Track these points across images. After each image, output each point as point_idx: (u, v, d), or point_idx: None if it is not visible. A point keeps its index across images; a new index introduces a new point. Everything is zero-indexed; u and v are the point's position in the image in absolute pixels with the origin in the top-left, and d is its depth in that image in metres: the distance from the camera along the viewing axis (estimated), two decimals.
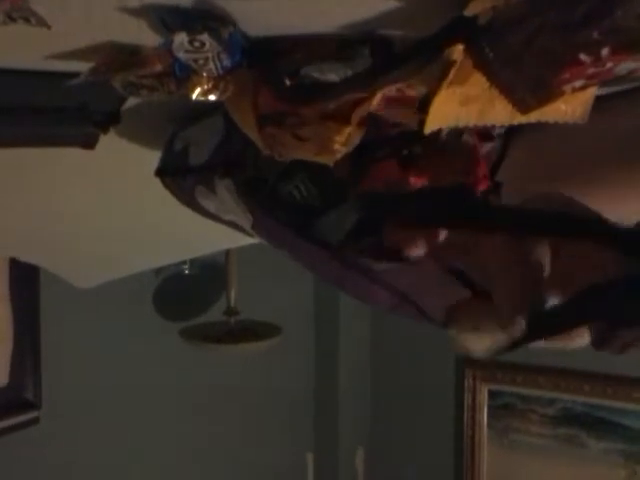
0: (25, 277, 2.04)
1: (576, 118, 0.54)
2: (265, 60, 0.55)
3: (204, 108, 0.70)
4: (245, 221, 0.69)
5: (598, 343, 0.52)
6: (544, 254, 0.53)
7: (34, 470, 2.21)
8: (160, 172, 0.79)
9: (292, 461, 3.18)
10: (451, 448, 2.95)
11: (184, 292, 2.40)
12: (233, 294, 2.22)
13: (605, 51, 0.43)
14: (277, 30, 0.53)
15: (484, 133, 0.64)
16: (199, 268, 2.36)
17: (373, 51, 0.53)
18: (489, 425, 2.83)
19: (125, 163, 0.85)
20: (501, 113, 0.54)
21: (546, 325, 0.53)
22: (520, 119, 0.53)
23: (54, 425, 2.21)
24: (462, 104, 0.53)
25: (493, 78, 0.48)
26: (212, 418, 2.78)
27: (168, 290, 2.36)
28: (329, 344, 3.20)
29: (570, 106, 0.53)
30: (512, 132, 0.66)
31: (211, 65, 0.53)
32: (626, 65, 0.47)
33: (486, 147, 0.65)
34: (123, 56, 0.55)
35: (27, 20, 0.47)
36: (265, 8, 0.49)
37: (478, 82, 0.50)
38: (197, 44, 0.51)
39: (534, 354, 2.91)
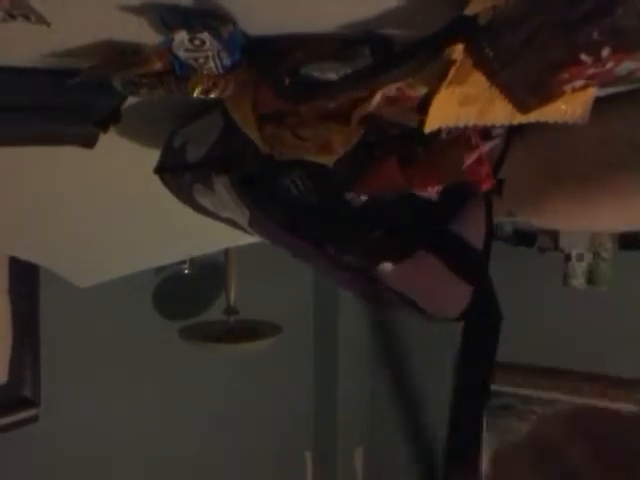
0: (24, 275, 2.04)
1: (576, 118, 0.54)
2: (265, 59, 0.55)
3: (204, 105, 0.70)
4: (242, 218, 0.69)
5: None
6: None
7: (33, 468, 2.22)
8: (159, 170, 0.79)
9: (291, 460, 3.18)
10: None
11: (184, 291, 2.41)
12: (233, 293, 2.22)
13: (605, 51, 0.43)
14: (277, 29, 0.53)
15: (484, 132, 0.64)
16: (199, 267, 2.37)
17: (373, 51, 0.53)
18: (489, 426, 2.83)
19: (125, 162, 0.85)
20: (501, 113, 0.54)
21: None
22: (520, 119, 0.53)
23: (53, 423, 2.21)
24: (462, 104, 0.53)
25: (493, 78, 0.48)
26: (211, 417, 2.78)
27: (168, 289, 2.36)
28: (328, 344, 3.20)
29: (570, 106, 0.53)
30: (513, 131, 0.66)
31: (211, 64, 0.53)
32: (627, 65, 0.47)
33: (488, 145, 0.65)
34: (123, 55, 0.55)
35: (27, 18, 0.47)
36: (265, 7, 0.49)
37: (478, 82, 0.50)
38: (197, 43, 0.51)
39: (534, 354, 2.91)
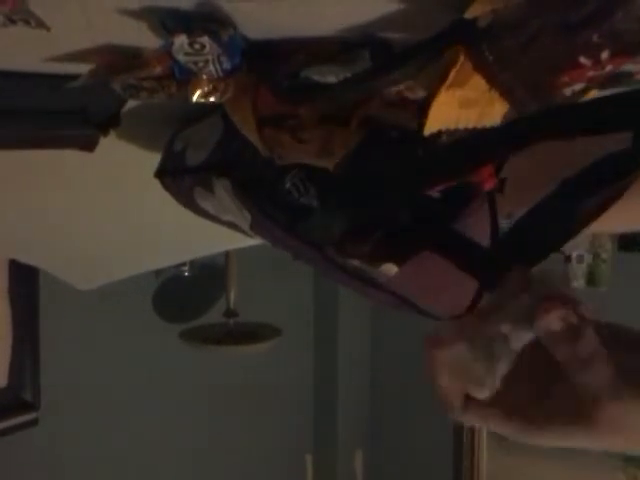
0: (24, 278, 2.04)
1: None
2: (265, 63, 0.55)
3: (204, 109, 0.70)
4: (243, 221, 0.69)
5: None
6: None
7: (33, 471, 2.21)
8: (160, 173, 0.79)
9: (291, 462, 3.18)
10: (450, 450, 2.95)
11: (184, 294, 2.40)
12: (233, 296, 2.22)
13: (605, 54, 0.43)
14: (277, 33, 0.53)
15: None
16: (199, 270, 2.36)
17: (373, 54, 0.53)
18: None
19: (125, 165, 0.85)
20: (501, 115, 0.54)
21: None
22: None
23: (53, 426, 2.21)
24: (462, 106, 0.54)
25: (493, 81, 0.48)
26: (212, 419, 2.78)
27: (168, 292, 2.36)
28: (328, 346, 3.19)
29: None
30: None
31: (211, 67, 0.53)
32: (626, 68, 0.47)
33: None
34: (123, 58, 0.55)
35: (27, 22, 0.47)
36: (265, 11, 0.49)
37: (478, 84, 0.50)
38: (197, 46, 0.51)
39: None
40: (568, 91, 0.46)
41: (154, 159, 0.79)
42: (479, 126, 0.55)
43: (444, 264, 0.63)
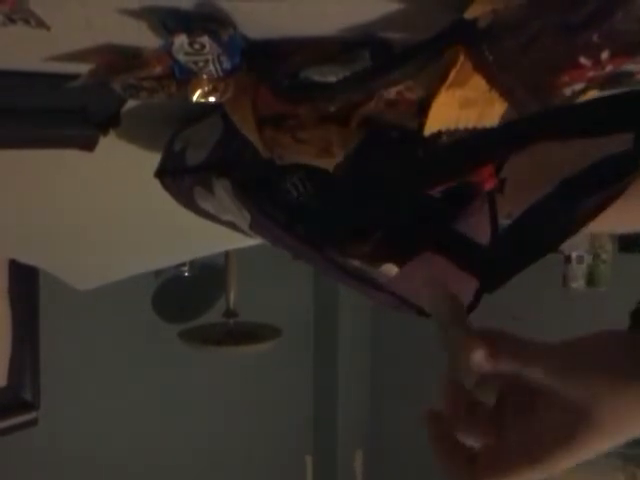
0: (24, 278, 2.04)
1: None
2: (265, 62, 0.55)
3: (204, 109, 0.70)
4: (243, 221, 0.69)
5: None
6: None
7: (32, 471, 2.21)
8: (160, 173, 0.79)
9: (291, 463, 3.18)
10: None
11: (183, 294, 2.40)
12: (232, 296, 2.22)
13: (605, 54, 0.43)
14: (277, 33, 0.53)
15: None
16: (198, 270, 2.36)
17: (373, 54, 0.53)
18: None
19: (125, 165, 0.85)
20: (500, 116, 0.54)
21: None
22: None
23: (53, 426, 2.21)
24: (462, 106, 0.54)
25: (493, 81, 0.48)
26: (211, 420, 2.78)
27: (167, 292, 2.36)
28: (328, 346, 3.19)
29: None
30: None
31: (211, 67, 0.53)
32: (626, 68, 0.47)
33: None
34: (123, 58, 0.55)
35: (27, 22, 0.47)
36: (265, 11, 0.49)
37: (478, 85, 0.50)
38: (197, 46, 0.51)
39: None
40: (568, 91, 0.46)
41: (154, 159, 0.79)
42: (479, 126, 0.55)
43: (444, 264, 0.63)
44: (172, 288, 2.35)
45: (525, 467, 0.45)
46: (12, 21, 0.46)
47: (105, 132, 0.68)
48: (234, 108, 0.63)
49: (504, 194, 0.68)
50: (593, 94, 0.52)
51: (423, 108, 0.54)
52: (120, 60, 0.55)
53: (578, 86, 0.46)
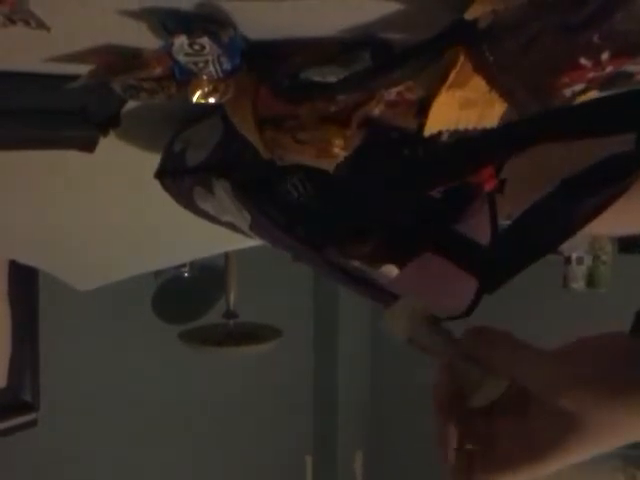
0: (24, 278, 2.04)
1: None
2: (265, 63, 0.55)
3: (204, 110, 0.70)
4: (243, 222, 0.69)
5: None
6: None
7: (32, 472, 2.21)
8: (160, 174, 0.79)
9: (291, 464, 3.18)
10: None
11: (183, 295, 2.40)
12: (232, 297, 2.22)
13: (605, 55, 0.43)
14: (277, 34, 0.53)
15: None
16: (198, 271, 2.36)
17: (374, 55, 0.53)
18: None
19: (125, 166, 0.85)
20: (501, 116, 0.54)
21: None
22: None
23: (53, 427, 2.20)
24: (462, 107, 0.54)
25: (493, 81, 0.48)
26: (211, 421, 2.78)
27: (167, 293, 2.36)
28: (328, 346, 3.19)
29: None
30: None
31: (211, 68, 0.53)
32: (627, 69, 0.47)
33: None
34: (123, 59, 0.55)
35: (27, 22, 0.47)
36: (265, 11, 0.49)
37: (478, 85, 0.50)
38: (197, 47, 0.51)
39: None
40: (568, 92, 0.46)
41: (154, 160, 0.79)
42: (479, 127, 0.55)
43: (445, 265, 0.63)
44: (172, 289, 2.35)
45: (517, 468, 0.45)
46: (12, 22, 0.46)
47: (105, 133, 0.68)
48: (234, 109, 0.63)
49: (504, 195, 0.68)
50: (593, 95, 0.52)
51: (423, 109, 0.54)
52: (120, 61, 0.55)
53: (578, 87, 0.46)
